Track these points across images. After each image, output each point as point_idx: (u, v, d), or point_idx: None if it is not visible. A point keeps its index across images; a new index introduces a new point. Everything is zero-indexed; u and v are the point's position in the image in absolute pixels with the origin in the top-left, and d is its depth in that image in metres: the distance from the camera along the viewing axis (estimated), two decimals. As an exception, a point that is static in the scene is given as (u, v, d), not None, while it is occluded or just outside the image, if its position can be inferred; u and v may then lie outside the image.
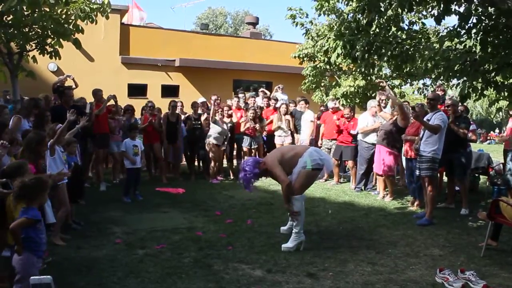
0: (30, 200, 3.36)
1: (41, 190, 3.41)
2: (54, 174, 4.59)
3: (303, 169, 5.18)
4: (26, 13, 7.07)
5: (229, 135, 9.82)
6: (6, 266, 3.85)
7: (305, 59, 12.58)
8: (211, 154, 9.57)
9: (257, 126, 9.97)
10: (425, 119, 6.49)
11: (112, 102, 8.62)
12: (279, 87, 12.20)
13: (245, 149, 10.04)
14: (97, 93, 8.71)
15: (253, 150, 10.05)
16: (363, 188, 8.83)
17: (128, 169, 7.73)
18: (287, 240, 5.23)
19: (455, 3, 5.43)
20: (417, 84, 13.90)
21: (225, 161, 10.45)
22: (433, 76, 11.59)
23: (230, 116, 10.00)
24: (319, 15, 11.20)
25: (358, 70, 10.94)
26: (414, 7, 6.07)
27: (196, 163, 10.46)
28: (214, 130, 9.43)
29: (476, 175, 8.91)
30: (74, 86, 9.16)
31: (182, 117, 10.04)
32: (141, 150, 7.91)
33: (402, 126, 7.60)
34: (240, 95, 11.50)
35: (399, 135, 7.62)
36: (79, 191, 6.29)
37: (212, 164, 9.69)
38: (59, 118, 6.20)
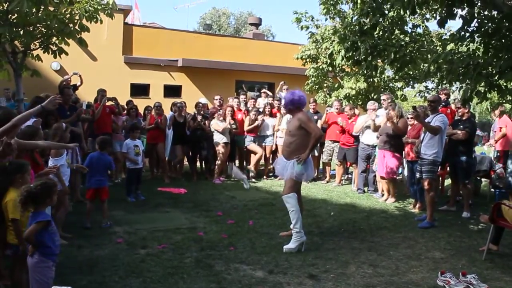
0: (38, 205, 3.27)
1: (47, 195, 3.30)
2: (45, 170, 4.53)
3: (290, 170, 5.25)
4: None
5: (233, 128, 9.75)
6: (7, 264, 3.86)
7: (307, 60, 12.59)
8: (220, 155, 9.52)
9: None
10: (426, 121, 6.50)
11: (110, 102, 8.64)
12: (284, 84, 11.96)
13: (248, 148, 10.08)
14: (98, 93, 8.70)
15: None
16: (365, 190, 8.83)
17: (129, 170, 7.74)
18: (288, 241, 5.24)
19: (457, 5, 5.42)
20: (419, 87, 13.94)
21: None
22: (435, 80, 11.66)
23: (232, 117, 9.90)
24: (326, 19, 11.29)
25: (360, 72, 10.97)
26: (418, 10, 6.05)
27: (198, 164, 10.44)
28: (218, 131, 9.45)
29: (478, 178, 8.89)
30: (79, 84, 9.13)
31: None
32: (142, 150, 7.89)
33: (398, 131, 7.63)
34: (241, 97, 11.41)
35: (400, 137, 7.63)
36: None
37: (218, 163, 9.61)
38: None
